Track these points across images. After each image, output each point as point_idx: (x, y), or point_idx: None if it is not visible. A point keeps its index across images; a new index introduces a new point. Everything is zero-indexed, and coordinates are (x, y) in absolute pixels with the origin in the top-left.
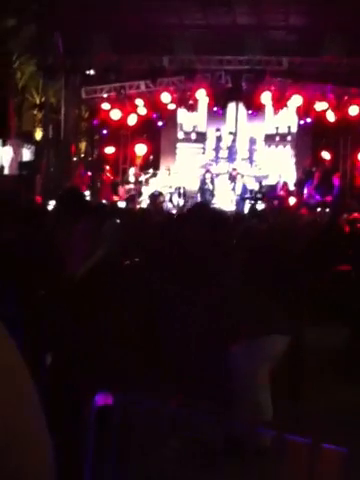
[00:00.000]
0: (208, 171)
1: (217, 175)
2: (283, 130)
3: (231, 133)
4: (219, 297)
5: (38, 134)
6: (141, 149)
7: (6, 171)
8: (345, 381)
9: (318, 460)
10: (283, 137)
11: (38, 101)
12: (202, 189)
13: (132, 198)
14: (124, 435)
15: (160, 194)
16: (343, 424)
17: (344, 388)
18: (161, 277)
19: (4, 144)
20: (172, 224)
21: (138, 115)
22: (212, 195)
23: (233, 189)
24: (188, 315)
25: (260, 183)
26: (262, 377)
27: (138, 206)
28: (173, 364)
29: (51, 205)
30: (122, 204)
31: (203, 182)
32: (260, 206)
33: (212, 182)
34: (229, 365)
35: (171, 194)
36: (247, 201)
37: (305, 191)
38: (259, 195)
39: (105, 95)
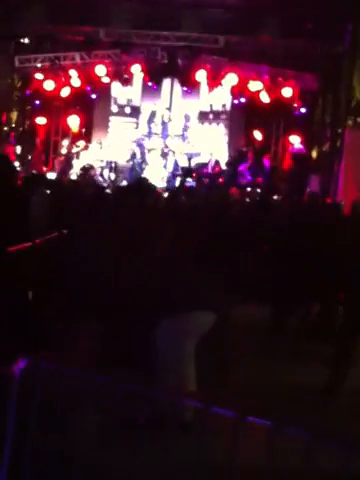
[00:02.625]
0: (140, 145)
1: (149, 150)
2: (217, 108)
3: (166, 109)
4: (148, 270)
5: None
6: (74, 121)
7: None
8: (268, 358)
9: (243, 433)
10: (217, 115)
11: None
12: (132, 163)
13: (63, 170)
14: (42, 403)
15: (91, 167)
16: (266, 398)
17: (268, 365)
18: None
19: None
20: (103, 196)
21: (71, 87)
22: (141, 169)
23: (165, 166)
24: (116, 286)
25: (189, 160)
26: (188, 351)
27: (68, 178)
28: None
29: None
30: (52, 175)
31: (133, 156)
32: (191, 183)
33: (143, 157)
34: (155, 337)
35: (102, 168)
36: (178, 178)
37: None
38: (189, 172)
39: (39, 65)
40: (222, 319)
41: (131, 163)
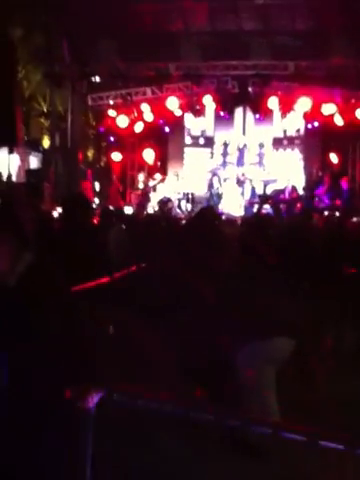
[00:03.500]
0: (215, 175)
1: (225, 180)
2: (291, 133)
3: (240, 137)
4: (228, 297)
5: (45, 142)
6: (149, 155)
7: (14, 179)
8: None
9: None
10: (291, 141)
11: (45, 109)
12: (210, 193)
13: (141, 204)
14: (121, 433)
15: (169, 200)
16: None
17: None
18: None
19: (11, 152)
20: (178, 228)
21: (144, 121)
22: (219, 199)
23: (242, 194)
24: (197, 316)
25: (265, 186)
26: (268, 378)
27: (145, 212)
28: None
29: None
30: (129, 210)
31: (211, 186)
32: (268, 210)
33: (220, 186)
34: (236, 366)
35: (179, 200)
36: (256, 205)
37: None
38: (265, 199)
39: (111, 102)
40: (303, 345)
41: (208, 193)
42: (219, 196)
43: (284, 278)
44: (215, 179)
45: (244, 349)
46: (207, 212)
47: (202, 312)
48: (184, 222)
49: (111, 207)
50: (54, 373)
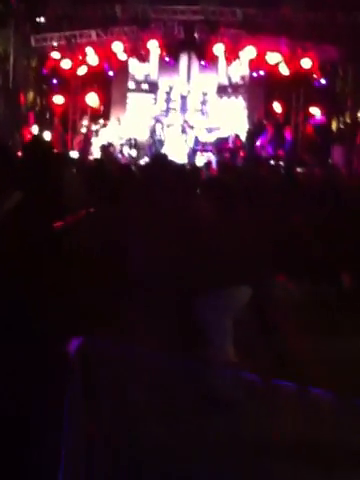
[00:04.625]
0: (159, 121)
1: (168, 126)
2: (236, 81)
3: (184, 84)
4: (188, 246)
5: None
6: (92, 99)
7: None
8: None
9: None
10: (235, 88)
11: None
12: (153, 139)
13: (84, 149)
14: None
15: (111, 145)
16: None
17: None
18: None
19: None
20: (131, 173)
21: (89, 65)
22: (162, 145)
23: (185, 141)
24: (153, 263)
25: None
26: (226, 327)
27: (90, 157)
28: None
29: None
30: (74, 154)
31: (153, 132)
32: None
33: (163, 132)
34: (197, 314)
35: (122, 145)
36: (198, 153)
37: (257, 143)
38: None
39: (55, 44)
40: (261, 293)
41: (151, 139)
42: (161, 143)
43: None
44: (158, 126)
45: (203, 299)
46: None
47: (164, 258)
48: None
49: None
50: (38, 313)
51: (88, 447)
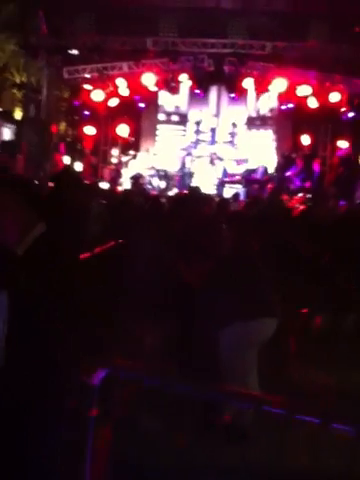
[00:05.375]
0: (188, 153)
1: (197, 158)
2: (264, 114)
3: (213, 116)
4: (212, 278)
5: (18, 113)
6: (123, 130)
7: None
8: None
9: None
10: (264, 121)
11: (19, 80)
12: (182, 171)
13: (113, 180)
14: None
15: (140, 176)
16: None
17: (330, 371)
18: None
19: None
20: (158, 204)
21: (119, 96)
22: (191, 177)
23: (214, 173)
24: (180, 294)
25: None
26: (250, 360)
27: (119, 188)
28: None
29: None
30: (104, 185)
31: (183, 164)
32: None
33: (192, 164)
34: (219, 346)
35: (151, 176)
36: (227, 185)
37: (286, 175)
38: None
39: (87, 75)
40: (283, 325)
41: (180, 171)
42: (190, 174)
43: (264, 259)
44: (187, 158)
45: (228, 330)
46: (195, 193)
47: (186, 295)
48: (166, 200)
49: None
50: (58, 345)
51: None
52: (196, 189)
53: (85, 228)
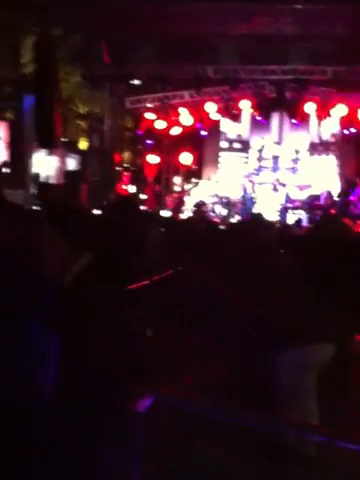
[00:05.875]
0: (250, 181)
1: (260, 184)
2: (327, 139)
3: (275, 143)
4: (269, 303)
5: (83, 144)
6: (186, 158)
7: (52, 180)
8: None
9: None
10: (327, 146)
11: (83, 111)
12: (245, 199)
13: (177, 208)
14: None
15: (203, 203)
16: None
17: None
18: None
19: (50, 153)
20: (219, 232)
21: (182, 125)
22: (253, 204)
23: (276, 199)
24: (238, 320)
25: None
26: (309, 385)
27: (181, 216)
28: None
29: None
30: (166, 213)
31: (245, 191)
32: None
33: (254, 191)
34: (276, 371)
35: (214, 204)
36: (290, 211)
37: (349, 200)
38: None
39: (149, 105)
40: (342, 350)
41: (242, 198)
42: (253, 201)
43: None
44: (249, 184)
45: (284, 355)
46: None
47: (243, 318)
48: (227, 227)
49: (149, 210)
50: (104, 374)
51: None
52: (258, 216)
53: (143, 256)
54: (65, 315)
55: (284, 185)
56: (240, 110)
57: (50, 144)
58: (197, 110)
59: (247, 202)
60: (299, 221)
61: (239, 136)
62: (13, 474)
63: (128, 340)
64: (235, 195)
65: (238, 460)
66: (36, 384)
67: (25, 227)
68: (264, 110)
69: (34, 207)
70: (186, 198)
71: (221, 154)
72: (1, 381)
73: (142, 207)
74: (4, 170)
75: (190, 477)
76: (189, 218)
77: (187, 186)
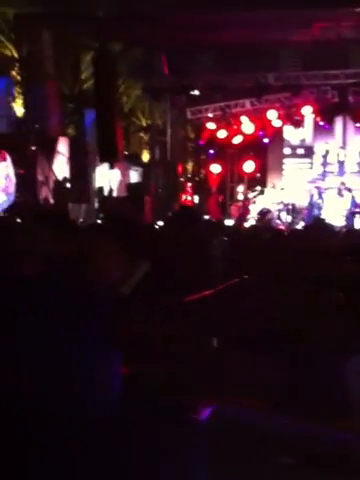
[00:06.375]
0: (316, 187)
1: (326, 189)
2: None
3: (340, 147)
4: (333, 310)
5: (145, 156)
6: (249, 166)
7: (115, 193)
8: None
9: None
10: None
11: (144, 123)
12: (311, 204)
13: (241, 216)
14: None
15: (268, 211)
16: None
17: None
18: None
19: (112, 167)
20: (281, 239)
21: (243, 133)
22: (320, 209)
23: (343, 204)
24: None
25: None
26: None
27: (246, 224)
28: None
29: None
30: (229, 222)
31: (312, 197)
32: None
33: (320, 197)
34: (343, 379)
35: (279, 211)
36: (357, 215)
37: None
38: None
39: (210, 115)
40: None
41: (309, 205)
42: (319, 207)
43: None
44: (315, 190)
45: (354, 361)
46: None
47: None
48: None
49: (213, 220)
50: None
51: None
52: (320, 220)
53: (205, 265)
54: (123, 327)
55: (350, 190)
56: (302, 116)
57: (112, 158)
58: (259, 118)
59: (313, 208)
60: None
61: (302, 142)
62: None
63: (192, 351)
64: (300, 201)
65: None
66: (97, 396)
67: (80, 240)
68: (327, 115)
69: (98, 221)
70: (251, 206)
71: (285, 161)
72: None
73: (205, 217)
74: (67, 185)
75: None
76: (253, 226)
77: (251, 194)
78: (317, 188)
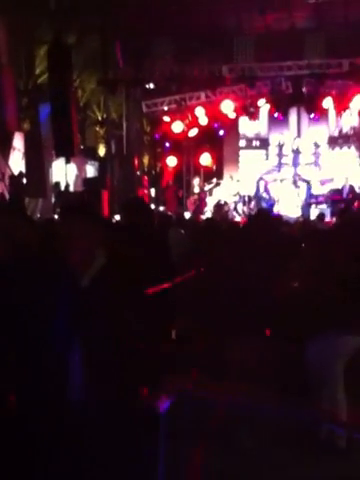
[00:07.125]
0: (261, 179)
1: (281, 181)
2: (346, 132)
3: (295, 138)
4: (294, 295)
5: (101, 150)
6: (206, 159)
7: (71, 188)
8: None
9: None
10: (346, 139)
11: (100, 117)
12: (257, 197)
13: (198, 209)
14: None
15: (225, 203)
16: None
17: None
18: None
19: (68, 161)
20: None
21: (199, 126)
22: (267, 201)
23: (298, 194)
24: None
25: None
26: (337, 373)
27: (203, 216)
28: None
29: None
30: (187, 215)
31: (257, 190)
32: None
33: (266, 190)
34: (305, 359)
35: (236, 203)
36: (313, 206)
37: None
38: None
39: (166, 108)
40: None
41: (255, 196)
42: (265, 199)
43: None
44: (261, 182)
45: (315, 343)
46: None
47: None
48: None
49: (170, 213)
50: (125, 374)
51: None
52: (264, 211)
53: (162, 257)
54: (85, 315)
55: (305, 180)
56: (257, 108)
57: (68, 152)
58: (214, 110)
59: (261, 200)
60: (321, 215)
61: (258, 134)
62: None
63: (149, 342)
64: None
65: (269, 450)
66: (62, 384)
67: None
68: (282, 106)
69: (55, 215)
70: (208, 199)
71: (241, 153)
72: (27, 379)
73: (162, 209)
74: (23, 180)
75: (222, 470)
76: (208, 218)
77: (207, 187)
78: (263, 180)
